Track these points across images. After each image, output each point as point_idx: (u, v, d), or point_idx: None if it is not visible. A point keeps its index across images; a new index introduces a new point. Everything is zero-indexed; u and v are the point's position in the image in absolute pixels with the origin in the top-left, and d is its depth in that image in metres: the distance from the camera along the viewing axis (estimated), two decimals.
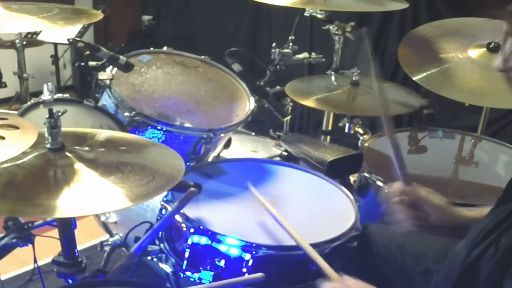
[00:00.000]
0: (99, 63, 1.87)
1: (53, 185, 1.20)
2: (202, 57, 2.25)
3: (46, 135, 1.27)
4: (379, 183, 1.89)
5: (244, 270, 1.43)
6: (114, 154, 1.36)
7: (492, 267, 1.12)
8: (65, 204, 1.14)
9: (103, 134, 1.48)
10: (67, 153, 1.28)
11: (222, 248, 1.44)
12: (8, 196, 1.15)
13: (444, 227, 1.41)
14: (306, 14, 2.52)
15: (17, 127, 1.23)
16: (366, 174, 1.96)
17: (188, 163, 1.95)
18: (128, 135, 1.60)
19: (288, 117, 2.39)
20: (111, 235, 1.94)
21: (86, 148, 1.33)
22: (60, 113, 1.28)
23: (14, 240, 1.61)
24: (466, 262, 1.19)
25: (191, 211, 1.53)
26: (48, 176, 1.23)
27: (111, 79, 1.90)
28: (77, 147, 1.32)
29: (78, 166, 1.25)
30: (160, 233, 1.59)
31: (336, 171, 1.90)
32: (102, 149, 1.36)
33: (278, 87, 2.42)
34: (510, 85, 1.18)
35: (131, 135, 1.65)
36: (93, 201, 1.18)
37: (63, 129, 1.30)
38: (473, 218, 1.38)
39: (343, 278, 1.24)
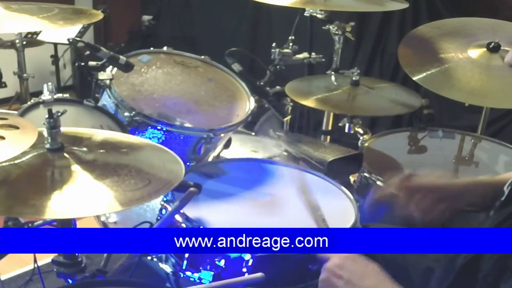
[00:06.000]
0: (99, 63, 1.87)
1: (49, 186, 1.20)
2: (202, 57, 2.25)
3: (46, 135, 1.27)
4: (379, 183, 1.89)
5: (244, 270, 1.43)
6: (113, 156, 1.35)
7: (490, 267, 1.12)
8: (58, 205, 1.14)
9: (103, 135, 1.48)
10: (66, 154, 1.28)
11: None
12: (3, 195, 1.15)
13: (456, 202, 1.40)
14: (306, 14, 2.52)
15: (17, 127, 1.23)
16: (366, 174, 1.96)
17: (188, 163, 1.95)
18: (128, 136, 1.60)
19: (288, 117, 2.39)
20: None
21: (85, 149, 1.33)
22: (59, 113, 1.28)
23: None
24: (465, 260, 1.19)
25: (191, 211, 1.53)
26: (45, 177, 1.23)
27: (111, 79, 1.90)
28: (76, 148, 1.32)
29: (75, 167, 1.25)
30: None
31: (336, 171, 1.90)
32: (101, 151, 1.36)
33: (278, 87, 2.41)
34: None
35: (131, 136, 1.65)
36: (87, 203, 1.18)
37: (62, 129, 1.30)
38: (485, 182, 1.38)
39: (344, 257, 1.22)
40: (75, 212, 1.17)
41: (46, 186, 1.20)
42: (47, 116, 1.26)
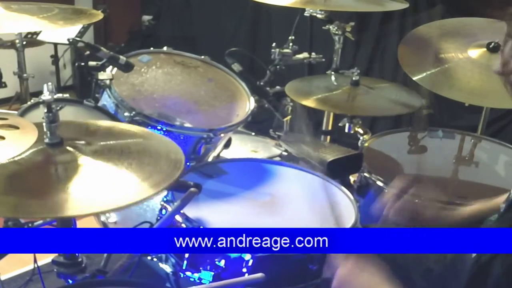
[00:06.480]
0: (99, 63, 1.87)
1: (52, 182, 1.20)
2: (202, 57, 2.25)
3: (45, 129, 1.27)
4: (379, 183, 1.89)
5: (244, 270, 1.43)
6: (115, 148, 1.34)
7: (502, 272, 1.12)
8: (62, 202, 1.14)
9: (105, 125, 1.47)
10: (68, 148, 1.28)
11: None
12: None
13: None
14: (306, 14, 2.52)
15: (17, 127, 1.23)
16: (366, 174, 1.95)
17: (188, 163, 1.95)
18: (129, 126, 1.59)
19: (288, 117, 2.39)
20: None
21: (83, 142, 1.33)
22: (58, 108, 1.29)
23: None
24: (476, 265, 1.19)
25: (191, 211, 1.53)
26: (48, 173, 1.22)
27: (111, 79, 1.90)
28: (76, 142, 1.32)
29: (75, 164, 1.25)
30: None
31: (336, 171, 1.90)
32: (103, 143, 1.35)
33: (278, 87, 2.41)
34: (509, 88, 1.17)
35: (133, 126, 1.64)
36: (88, 200, 1.17)
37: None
38: (474, 213, 1.38)
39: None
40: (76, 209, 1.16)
41: (50, 182, 1.19)
42: (45, 110, 1.26)
